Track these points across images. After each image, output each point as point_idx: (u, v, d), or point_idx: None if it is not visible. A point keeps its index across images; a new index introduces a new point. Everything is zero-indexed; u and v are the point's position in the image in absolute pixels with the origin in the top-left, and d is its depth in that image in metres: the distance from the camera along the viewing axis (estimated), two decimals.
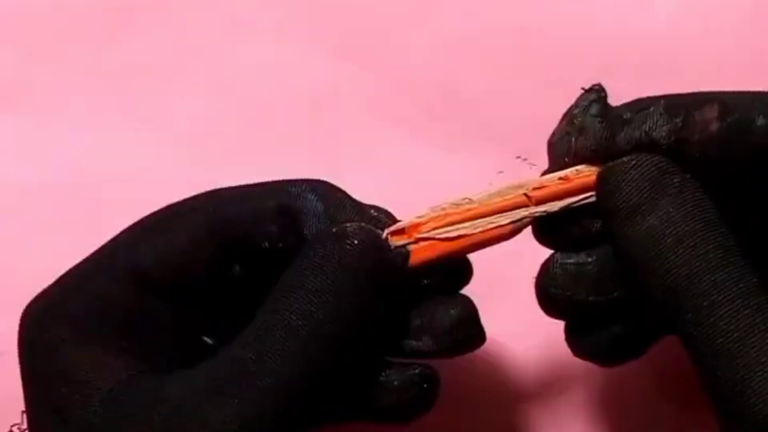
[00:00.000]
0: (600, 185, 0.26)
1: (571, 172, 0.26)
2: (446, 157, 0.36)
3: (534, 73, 0.36)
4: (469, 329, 0.27)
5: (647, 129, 0.25)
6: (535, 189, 0.26)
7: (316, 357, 0.24)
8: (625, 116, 0.25)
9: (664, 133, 0.25)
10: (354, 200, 0.28)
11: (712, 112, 0.24)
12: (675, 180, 0.24)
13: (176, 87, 0.38)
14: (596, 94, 0.26)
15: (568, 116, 0.26)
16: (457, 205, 0.26)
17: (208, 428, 0.23)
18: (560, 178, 0.26)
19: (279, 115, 0.37)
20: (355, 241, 0.25)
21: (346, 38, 0.38)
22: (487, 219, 0.26)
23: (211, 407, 0.24)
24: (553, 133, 0.27)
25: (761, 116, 0.24)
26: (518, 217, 0.26)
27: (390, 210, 0.29)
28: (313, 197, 0.27)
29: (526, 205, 0.26)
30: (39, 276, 0.35)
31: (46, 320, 0.26)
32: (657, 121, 0.25)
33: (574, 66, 0.36)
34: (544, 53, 0.37)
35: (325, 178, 0.36)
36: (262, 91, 0.37)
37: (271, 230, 0.27)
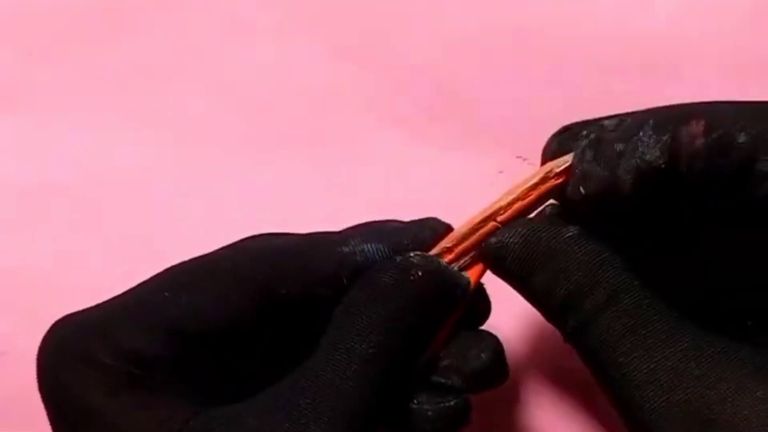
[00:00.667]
0: (486, 264, 0.28)
1: (522, 190, 0.28)
2: (446, 157, 0.36)
3: (534, 73, 0.36)
4: (497, 371, 0.28)
5: (641, 154, 0.25)
6: (500, 216, 0.28)
7: (378, 381, 0.25)
8: (618, 148, 0.26)
9: (657, 153, 0.25)
10: (407, 227, 0.28)
11: (698, 127, 0.25)
12: (542, 245, 0.26)
13: (176, 87, 0.38)
14: (586, 139, 0.27)
15: (571, 168, 0.27)
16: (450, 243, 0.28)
17: None
18: (518, 198, 0.28)
19: (279, 115, 0.37)
20: (419, 273, 0.26)
21: (346, 38, 0.38)
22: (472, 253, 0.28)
23: None
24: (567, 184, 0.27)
25: (743, 133, 0.25)
26: None
27: (400, 214, 0.29)
28: (369, 248, 0.27)
29: (498, 228, 0.28)
30: (39, 276, 0.35)
31: (69, 370, 0.26)
32: (648, 143, 0.25)
33: (574, 66, 0.36)
34: (544, 53, 0.37)
35: (324, 178, 0.37)
36: (262, 91, 0.37)
37: (327, 294, 0.27)
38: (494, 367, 0.28)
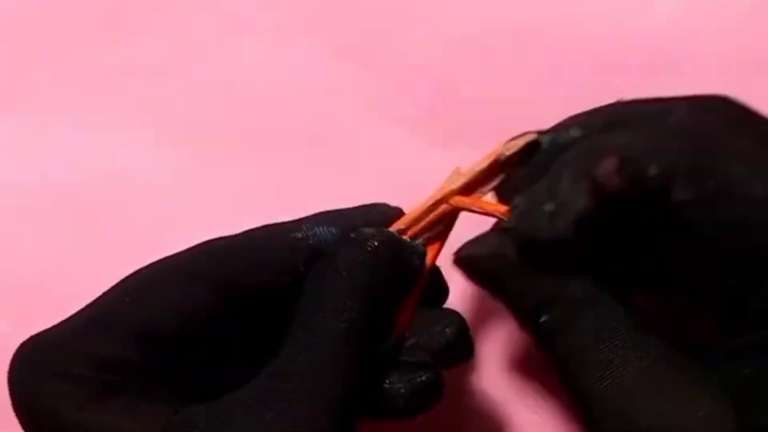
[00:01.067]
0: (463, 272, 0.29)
1: (474, 174, 0.28)
2: (446, 157, 0.36)
3: (534, 73, 0.36)
4: (462, 346, 0.28)
5: (570, 207, 0.26)
6: (452, 198, 0.28)
7: (352, 358, 0.25)
8: (548, 209, 0.26)
9: (585, 201, 0.25)
10: (357, 210, 0.29)
11: (611, 164, 0.25)
12: (510, 258, 0.27)
13: (176, 87, 0.38)
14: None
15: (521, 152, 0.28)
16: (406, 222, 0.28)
17: None
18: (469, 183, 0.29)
19: (279, 115, 0.37)
20: (375, 243, 0.26)
21: (346, 38, 0.38)
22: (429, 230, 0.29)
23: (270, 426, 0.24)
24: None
25: (654, 165, 0.25)
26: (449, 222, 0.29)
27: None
28: (321, 231, 0.28)
29: (451, 210, 0.29)
30: (39, 276, 0.35)
31: (43, 389, 0.25)
32: (572, 195, 0.26)
33: (574, 66, 0.36)
34: (544, 53, 0.37)
35: (324, 179, 0.37)
36: (262, 91, 0.37)
37: (287, 281, 0.27)
38: (459, 342, 0.28)
